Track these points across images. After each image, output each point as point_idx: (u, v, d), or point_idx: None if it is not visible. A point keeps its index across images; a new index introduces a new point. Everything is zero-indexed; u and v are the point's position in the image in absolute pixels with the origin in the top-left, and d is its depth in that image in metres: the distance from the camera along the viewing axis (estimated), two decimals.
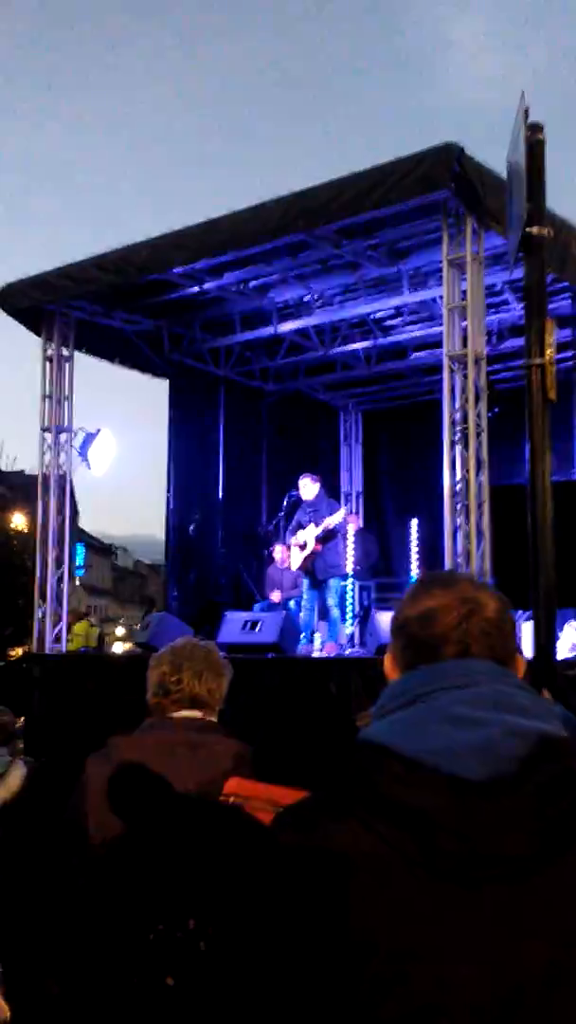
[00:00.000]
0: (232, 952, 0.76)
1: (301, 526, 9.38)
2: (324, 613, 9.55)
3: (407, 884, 1.02)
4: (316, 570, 9.33)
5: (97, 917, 0.78)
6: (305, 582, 9.55)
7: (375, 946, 1.00)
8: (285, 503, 10.08)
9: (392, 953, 1.00)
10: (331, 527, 9.10)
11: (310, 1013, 0.97)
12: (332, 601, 9.34)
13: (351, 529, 11.24)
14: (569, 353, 8.44)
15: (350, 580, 10.63)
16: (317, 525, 9.20)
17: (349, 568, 10.61)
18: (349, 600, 10.70)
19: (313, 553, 9.27)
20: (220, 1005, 0.75)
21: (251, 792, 1.56)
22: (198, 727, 2.48)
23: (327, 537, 9.20)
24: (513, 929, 1.01)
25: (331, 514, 9.24)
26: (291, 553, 9.54)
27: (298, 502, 9.63)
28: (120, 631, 38.22)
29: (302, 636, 9.20)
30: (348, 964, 0.99)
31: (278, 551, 10.09)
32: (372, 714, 1.20)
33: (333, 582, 9.33)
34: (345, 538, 10.52)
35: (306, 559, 9.33)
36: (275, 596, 9.84)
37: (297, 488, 9.60)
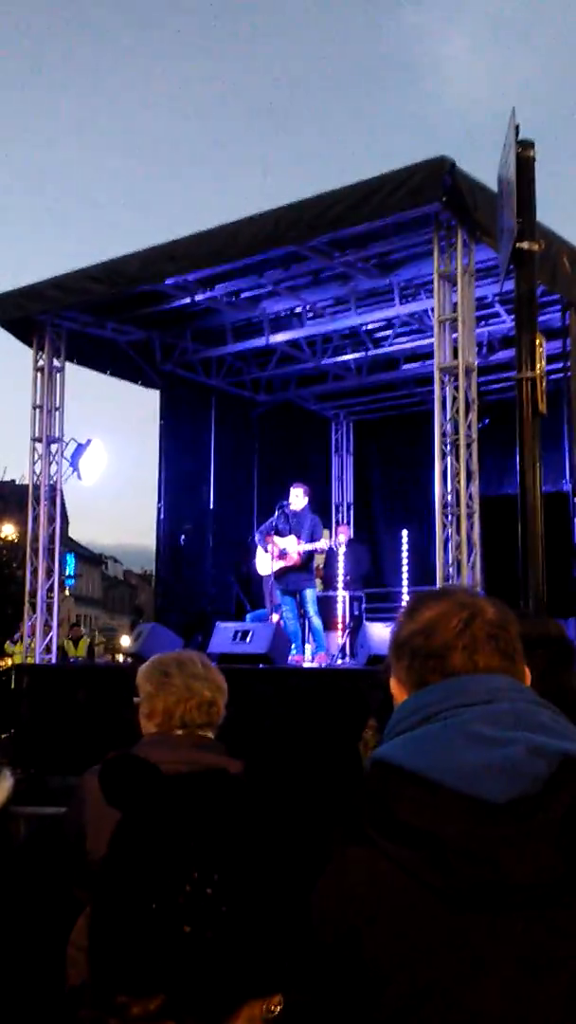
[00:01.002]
0: (239, 893, 0.82)
1: (279, 532, 9.30)
2: (300, 623, 9.53)
3: (426, 912, 0.98)
4: (288, 580, 9.26)
5: (114, 890, 0.84)
6: (277, 591, 9.46)
7: (391, 975, 0.96)
8: (276, 513, 10.08)
9: (409, 983, 0.96)
10: (316, 551, 9.10)
11: None
12: (312, 610, 9.32)
13: (342, 539, 11.24)
14: (559, 365, 8.49)
15: (341, 591, 10.63)
16: (299, 537, 9.15)
17: (340, 578, 10.61)
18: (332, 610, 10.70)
19: (292, 564, 9.22)
20: (236, 945, 0.82)
21: None
22: (198, 745, 2.46)
23: (309, 557, 9.20)
24: (537, 955, 0.96)
25: (313, 530, 9.21)
26: (264, 557, 9.43)
27: (284, 509, 9.59)
28: (124, 641, 37.88)
29: (302, 646, 9.23)
30: (364, 993, 0.96)
31: (257, 560, 10.06)
32: (384, 733, 1.16)
33: (308, 593, 9.30)
34: (335, 549, 10.51)
35: (282, 568, 9.24)
36: (275, 617, 9.80)
37: (288, 499, 9.58)
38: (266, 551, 9.29)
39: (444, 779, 1.01)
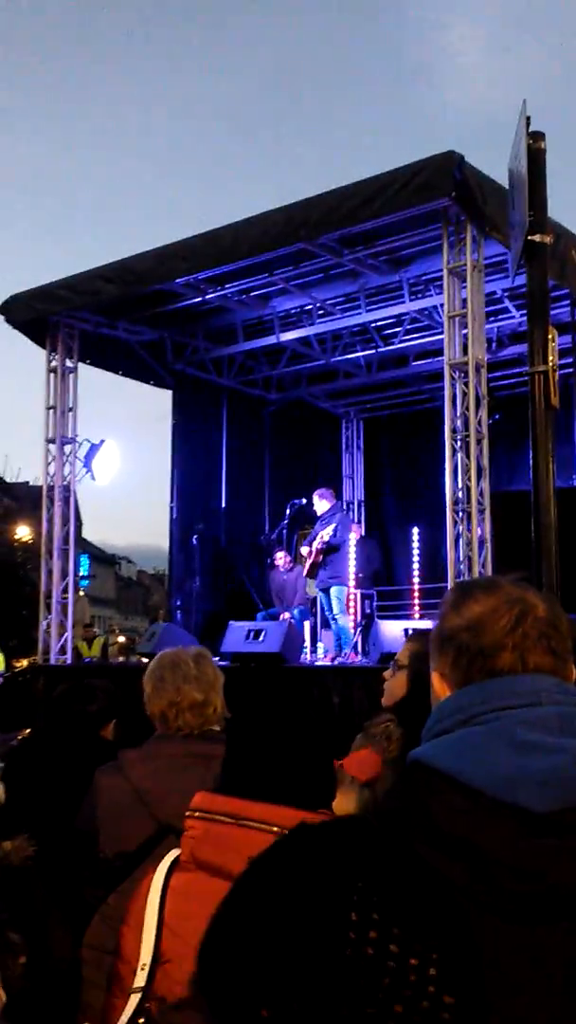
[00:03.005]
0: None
1: (315, 536, 9.52)
2: (328, 622, 9.61)
3: (465, 922, 0.93)
4: (317, 579, 9.43)
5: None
6: (317, 590, 9.67)
7: None
8: (288, 511, 10.10)
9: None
10: (325, 541, 9.22)
11: None
12: (336, 608, 9.38)
13: (352, 538, 11.26)
14: (568, 360, 8.45)
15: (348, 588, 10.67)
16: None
17: (351, 576, 10.63)
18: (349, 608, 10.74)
19: (314, 563, 9.34)
20: None
21: (218, 807, 1.52)
22: (206, 738, 2.46)
23: (328, 549, 9.27)
24: None
25: (336, 528, 9.33)
26: (305, 561, 9.70)
27: (302, 510, 9.73)
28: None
29: (321, 645, 9.32)
30: None
31: (280, 557, 10.13)
32: (422, 732, 1.12)
33: (334, 591, 9.38)
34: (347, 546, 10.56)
35: (309, 567, 9.45)
36: (285, 615, 9.90)
37: (299, 497, 9.70)
38: (303, 554, 9.67)
39: (485, 786, 0.97)
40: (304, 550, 9.59)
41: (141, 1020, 1.37)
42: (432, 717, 1.12)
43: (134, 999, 1.38)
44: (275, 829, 1.40)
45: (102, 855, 2.41)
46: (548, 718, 1.04)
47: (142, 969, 1.40)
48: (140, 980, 1.39)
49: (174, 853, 1.53)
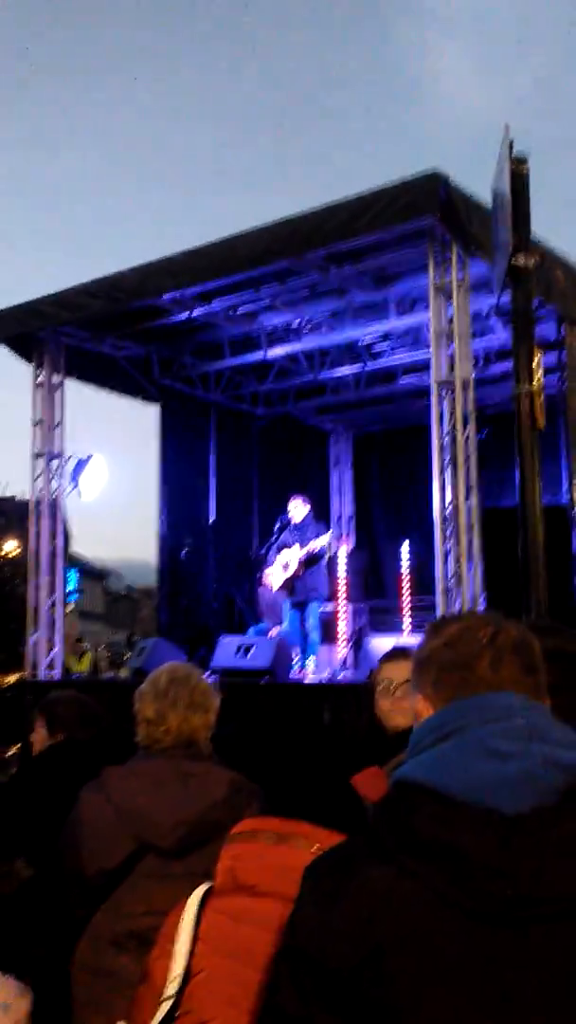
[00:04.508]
0: None
1: (286, 546, 9.38)
2: (303, 636, 9.55)
3: (451, 929, 0.97)
4: (296, 591, 9.33)
5: None
6: (286, 604, 9.52)
7: (418, 995, 0.95)
8: (277, 527, 10.09)
9: (437, 1002, 0.94)
10: (314, 551, 9.14)
11: None
12: (311, 623, 9.35)
13: (343, 551, 11.25)
14: (555, 377, 8.51)
15: (343, 603, 10.64)
16: (302, 547, 9.22)
17: (341, 591, 10.62)
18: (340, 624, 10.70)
19: (295, 575, 9.28)
20: None
21: (260, 826, 1.55)
22: (190, 756, 2.46)
23: (310, 561, 9.22)
24: (564, 969, 0.95)
25: (317, 537, 9.26)
26: (273, 572, 9.52)
27: (288, 523, 9.66)
28: None
29: (304, 659, 9.24)
30: (389, 1014, 0.95)
31: (267, 575, 10.12)
32: (406, 754, 1.17)
33: (312, 605, 9.34)
34: (336, 561, 10.53)
35: (287, 580, 9.33)
36: (274, 631, 9.83)
37: (287, 510, 9.64)
38: (270, 565, 9.41)
39: (462, 793, 1.02)
40: (282, 558, 9.39)
41: None
42: (412, 738, 1.17)
43: (164, 1007, 1.42)
44: (316, 848, 1.42)
45: (85, 872, 2.40)
46: (518, 729, 1.09)
47: (172, 981, 1.43)
48: (171, 989, 1.43)
49: (204, 885, 1.54)
